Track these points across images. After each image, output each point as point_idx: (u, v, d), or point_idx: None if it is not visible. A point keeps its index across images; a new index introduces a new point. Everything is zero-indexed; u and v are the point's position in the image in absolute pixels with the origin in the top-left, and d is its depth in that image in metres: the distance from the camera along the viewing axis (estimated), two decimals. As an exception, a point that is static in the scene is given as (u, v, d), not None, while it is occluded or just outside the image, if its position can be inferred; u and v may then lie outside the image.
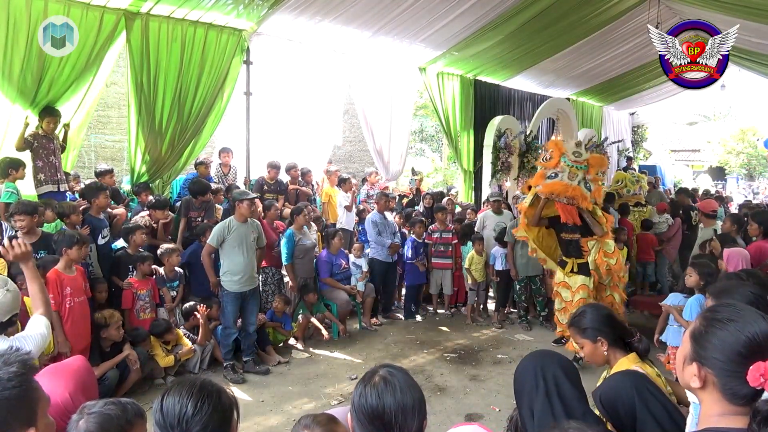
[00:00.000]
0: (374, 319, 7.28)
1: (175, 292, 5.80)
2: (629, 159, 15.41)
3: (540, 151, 11.53)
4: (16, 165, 5.21)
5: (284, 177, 7.98)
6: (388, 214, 7.64)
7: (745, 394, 1.26)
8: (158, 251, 5.73)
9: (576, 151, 5.82)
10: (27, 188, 5.46)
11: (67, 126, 5.75)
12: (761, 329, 1.29)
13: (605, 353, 2.33)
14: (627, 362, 2.28)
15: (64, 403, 1.91)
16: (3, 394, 1.39)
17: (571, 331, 2.46)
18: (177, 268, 5.83)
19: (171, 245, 5.87)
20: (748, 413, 1.23)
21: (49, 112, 5.43)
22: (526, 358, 2.00)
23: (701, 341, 1.36)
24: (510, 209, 8.65)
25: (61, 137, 5.68)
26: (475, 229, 7.83)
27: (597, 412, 1.94)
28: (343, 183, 8.35)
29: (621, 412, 1.89)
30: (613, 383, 1.99)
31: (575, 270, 5.84)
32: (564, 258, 6.00)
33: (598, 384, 2.26)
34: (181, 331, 5.51)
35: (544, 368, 1.86)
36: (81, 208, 5.44)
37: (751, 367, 1.21)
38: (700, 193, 13.97)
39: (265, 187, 7.58)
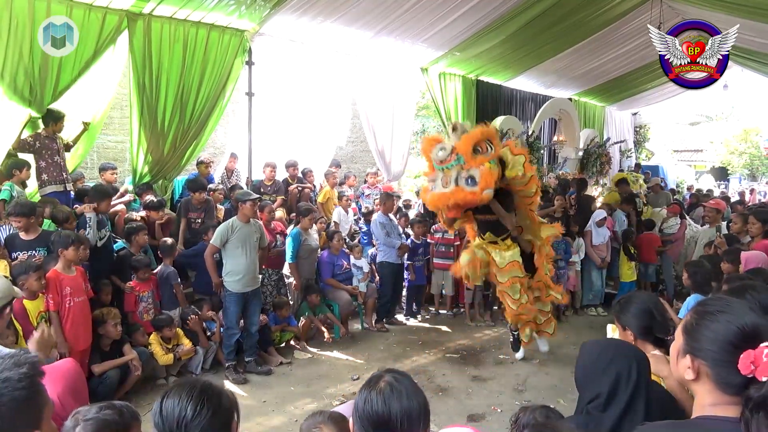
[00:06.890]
0: (379, 324, 7.22)
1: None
2: (637, 165, 15.23)
3: (541, 152, 11.53)
4: (20, 165, 5.23)
5: (284, 174, 7.95)
6: (391, 215, 7.62)
7: (737, 383, 1.31)
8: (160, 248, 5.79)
9: (440, 147, 4.81)
10: (32, 188, 5.48)
11: (87, 124, 5.77)
12: (751, 320, 1.35)
13: (633, 342, 2.34)
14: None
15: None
16: (13, 395, 1.39)
17: (613, 313, 2.51)
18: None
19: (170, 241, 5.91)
20: (739, 403, 1.28)
21: (53, 117, 5.41)
22: (613, 345, 1.99)
23: (694, 334, 1.41)
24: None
25: (73, 136, 5.68)
26: None
27: None
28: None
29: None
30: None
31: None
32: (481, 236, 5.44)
33: None
34: (181, 331, 5.51)
35: (641, 365, 1.87)
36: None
37: (741, 356, 1.27)
38: (702, 192, 13.93)
39: (261, 189, 7.56)
